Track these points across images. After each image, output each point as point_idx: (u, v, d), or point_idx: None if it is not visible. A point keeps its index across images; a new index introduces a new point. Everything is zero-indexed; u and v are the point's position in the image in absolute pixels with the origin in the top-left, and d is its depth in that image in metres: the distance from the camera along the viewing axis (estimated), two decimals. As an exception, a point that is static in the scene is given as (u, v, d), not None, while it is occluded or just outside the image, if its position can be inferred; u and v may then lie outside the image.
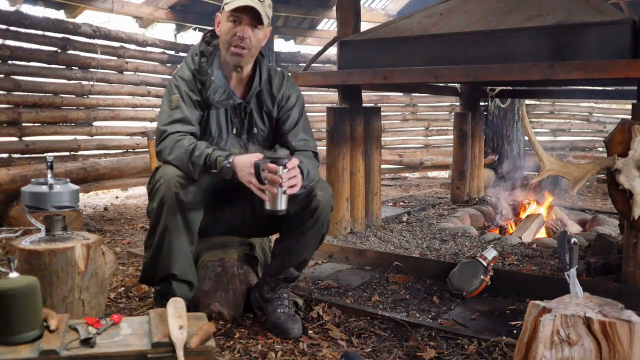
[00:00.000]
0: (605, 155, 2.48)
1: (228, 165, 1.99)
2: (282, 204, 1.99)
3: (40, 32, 5.16)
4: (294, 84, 2.36)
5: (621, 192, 2.40)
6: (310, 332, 2.26)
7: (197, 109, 2.19)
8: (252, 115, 2.27)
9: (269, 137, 2.33)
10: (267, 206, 2.00)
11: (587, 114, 8.16)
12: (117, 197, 5.94)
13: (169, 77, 2.37)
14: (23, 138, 5.06)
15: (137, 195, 6.00)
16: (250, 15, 2.10)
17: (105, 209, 5.23)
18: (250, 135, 2.28)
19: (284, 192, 1.97)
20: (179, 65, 2.30)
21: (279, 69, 2.37)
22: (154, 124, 2.25)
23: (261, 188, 1.96)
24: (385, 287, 2.86)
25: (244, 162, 1.99)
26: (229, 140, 2.25)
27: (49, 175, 2.04)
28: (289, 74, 2.45)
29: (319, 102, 7.71)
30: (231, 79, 2.23)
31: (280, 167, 1.95)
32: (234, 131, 2.26)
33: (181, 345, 1.53)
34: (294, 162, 2.00)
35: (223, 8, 2.15)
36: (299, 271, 2.32)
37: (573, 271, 1.63)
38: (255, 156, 2.01)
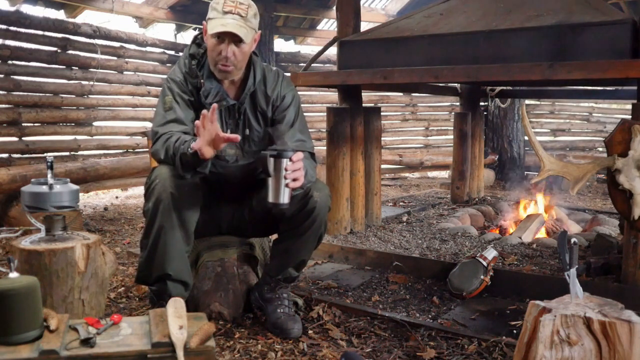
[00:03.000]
0: (605, 155, 2.48)
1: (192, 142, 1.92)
2: (284, 197, 1.98)
3: (40, 32, 5.16)
4: (289, 83, 2.34)
5: (621, 192, 2.40)
6: (310, 332, 2.26)
7: (191, 108, 2.19)
8: (246, 116, 2.26)
9: (265, 138, 2.32)
10: (270, 198, 1.98)
11: (587, 114, 8.16)
12: (117, 197, 5.94)
13: (168, 77, 2.37)
14: (23, 138, 5.06)
15: (137, 195, 6.00)
16: (232, 35, 2.06)
17: (105, 209, 5.23)
18: (246, 136, 2.28)
19: (287, 185, 1.96)
20: (172, 67, 2.30)
21: (274, 68, 2.35)
22: (152, 125, 2.25)
23: (209, 149, 1.89)
24: (385, 287, 2.86)
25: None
26: None
27: (49, 175, 2.04)
28: (288, 74, 2.44)
29: (319, 102, 7.71)
30: (223, 80, 2.22)
31: (285, 160, 1.94)
32: (229, 132, 2.26)
33: (181, 345, 1.53)
34: (299, 155, 1.99)
35: (207, 20, 2.11)
36: (298, 271, 2.32)
37: (573, 271, 1.63)
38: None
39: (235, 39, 2.07)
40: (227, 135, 1.90)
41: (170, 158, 2.04)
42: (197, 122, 1.89)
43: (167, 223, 2.05)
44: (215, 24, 2.05)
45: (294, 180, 1.96)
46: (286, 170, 1.94)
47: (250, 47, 2.16)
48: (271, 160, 1.95)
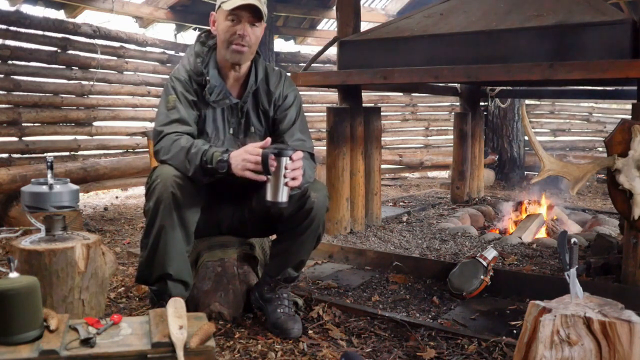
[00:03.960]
0: (605, 155, 2.48)
1: (225, 159, 1.98)
2: (283, 196, 1.97)
3: (40, 32, 5.16)
4: (291, 83, 2.35)
5: (621, 192, 2.40)
6: (310, 332, 2.26)
7: (194, 109, 2.19)
8: (248, 115, 2.27)
9: (266, 137, 2.32)
10: (269, 197, 1.98)
11: (587, 114, 8.16)
12: (117, 197, 5.94)
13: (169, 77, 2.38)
14: (23, 138, 5.06)
15: (137, 195, 6.00)
16: (250, 13, 2.11)
17: (105, 209, 5.23)
18: (247, 135, 2.28)
19: (286, 184, 1.96)
20: (176, 66, 2.30)
21: (276, 68, 2.36)
22: (154, 124, 2.26)
23: (257, 175, 1.96)
24: (385, 287, 2.86)
25: (238, 153, 1.99)
26: (225, 140, 2.25)
27: (49, 175, 2.04)
28: (288, 74, 2.44)
29: (319, 102, 7.71)
30: (227, 78, 2.23)
31: (285, 158, 1.94)
32: (231, 131, 2.26)
33: (181, 345, 1.53)
34: (299, 154, 1.99)
35: (219, 6, 2.15)
36: (297, 272, 2.32)
37: (573, 271, 1.63)
38: (253, 145, 2.00)
39: (252, 19, 2.11)
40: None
41: (182, 163, 2.04)
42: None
43: (168, 223, 2.05)
44: (234, 1, 2.07)
45: (293, 179, 1.97)
46: (286, 169, 1.94)
47: (261, 33, 2.20)
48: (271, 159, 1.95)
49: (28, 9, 5.30)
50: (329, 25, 8.33)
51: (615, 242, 3.05)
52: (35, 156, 5.06)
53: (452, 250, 3.35)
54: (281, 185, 1.96)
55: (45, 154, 5.10)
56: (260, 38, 2.20)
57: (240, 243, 2.47)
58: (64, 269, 1.97)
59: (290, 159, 1.95)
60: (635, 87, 2.81)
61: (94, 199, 5.81)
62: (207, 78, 2.18)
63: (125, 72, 6.05)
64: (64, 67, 5.42)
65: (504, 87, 5.35)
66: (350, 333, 2.27)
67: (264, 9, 2.13)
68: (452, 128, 5.17)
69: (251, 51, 2.17)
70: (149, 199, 2.09)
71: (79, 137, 5.63)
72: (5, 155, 4.88)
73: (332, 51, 4.02)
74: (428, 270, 2.98)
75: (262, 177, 1.96)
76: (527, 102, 7.90)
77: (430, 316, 2.48)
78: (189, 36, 7.09)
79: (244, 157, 1.96)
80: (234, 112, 2.26)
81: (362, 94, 3.96)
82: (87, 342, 1.53)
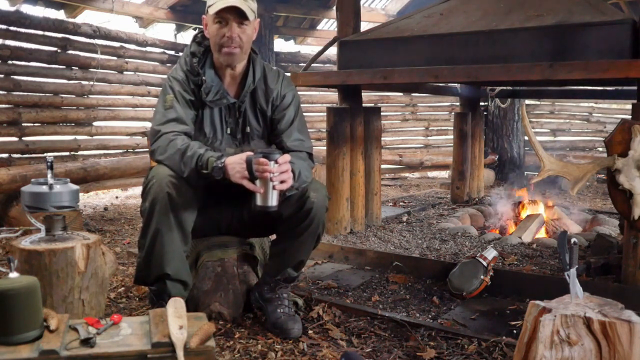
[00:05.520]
0: (605, 155, 2.48)
1: (220, 166, 1.99)
2: (273, 200, 1.99)
3: (40, 32, 5.16)
4: (290, 83, 2.35)
5: (621, 192, 2.40)
6: (310, 332, 2.26)
7: (192, 108, 2.20)
8: (246, 115, 2.27)
9: (264, 136, 2.32)
10: (258, 202, 2.00)
11: (587, 114, 8.15)
12: (117, 197, 5.94)
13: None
14: (23, 138, 5.06)
15: (137, 195, 6.00)
16: (235, 14, 2.10)
17: (105, 209, 5.23)
18: (245, 135, 2.28)
19: (274, 187, 1.97)
20: (174, 66, 2.30)
21: (274, 67, 2.36)
22: (151, 123, 2.26)
23: (253, 184, 1.97)
24: (385, 287, 2.86)
25: (235, 160, 1.99)
26: (223, 140, 2.25)
27: (49, 175, 2.04)
28: (288, 73, 2.44)
29: (319, 102, 7.70)
30: (224, 78, 2.23)
31: (272, 162, 1.94)
32: (229, 131, 2.26)
33: (181, 345, 1.53)
34: (285, 157, 2.00)
35: (207, 10, 2.15)
36: (296, 272, 2.32)
37: (573, 271, 1.63)
38: (247, 153, 2.01)
39: (238, 20, 2.10)
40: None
41: (178, 165, 2.05)
42: (260, 168, 1.93)
43: (164, 223, 2.05)
44: (217, 5, 2.07)
45: (282, 182, 1.97)
46: (273, 173, 1.94)
47: (253, 31, 2.18)
48: None
49: (28, 9, 5.30)
50: (329, 25, 8.33)
51: (615, 242, 3.05)
52: (35, 156, 5.06)
53: (452, 250, 3.35)
54: (270, 190, 1.96)
55: (45, 154, 5.10)
56: (252, 36, 2.19)
57: (240, 243, 2.47)
58: (64, 269, 1.97)
59: (277, 162, 1.95)
60: (635, 87, 2.81)
61: (94, 199, 5.81)
62: (203, 78, 2.18)
63: (125, 72, 6.05)
64: (64, 67, 5.42)
65: (504, 87, 5.34)
66: (350, 333, 2.27)
67: (250, 6, 2.11)
68: (452, 128, 5.17)
69: (244, 51, 2.17)
70: (144, 200, 2.10)
71: (79, 137, 5.63)
72: (5, 155, 4.88)
73: (332, 51, 4.02)
74: (428, 270, 2.98)
75: (260, 189, 1.97)
76: (527, 102, 7.90)
77: (430, 316, 2.48)
78: (189, 36, 7.07)
79: (243, 166, 1.98)
80: (232, 111, 2.25)
81: (362, 94, 3.96)
82: (87, 342, 1.53)
